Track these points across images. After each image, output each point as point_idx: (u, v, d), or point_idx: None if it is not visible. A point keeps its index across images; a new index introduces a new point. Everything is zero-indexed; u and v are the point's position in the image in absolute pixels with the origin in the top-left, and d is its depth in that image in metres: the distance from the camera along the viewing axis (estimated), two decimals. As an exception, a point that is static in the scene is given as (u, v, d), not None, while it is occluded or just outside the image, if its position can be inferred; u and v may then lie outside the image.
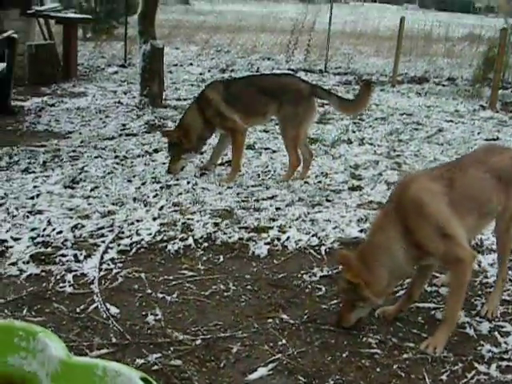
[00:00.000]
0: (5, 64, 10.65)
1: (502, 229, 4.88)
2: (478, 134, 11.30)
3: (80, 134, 9.80)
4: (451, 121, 12.24)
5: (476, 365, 4.25)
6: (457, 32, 27.19)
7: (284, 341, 4.37)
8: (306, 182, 7.74)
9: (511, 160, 4.84)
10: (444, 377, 4.10)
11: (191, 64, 17.44)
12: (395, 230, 4.35)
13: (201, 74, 15.98)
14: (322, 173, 8.21)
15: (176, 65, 17.00)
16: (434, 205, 4.36)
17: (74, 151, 8.70)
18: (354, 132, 10.79)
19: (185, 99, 12.68)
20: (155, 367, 4.00)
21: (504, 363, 4.28)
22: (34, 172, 7.68)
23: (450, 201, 4.40)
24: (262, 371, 4.02)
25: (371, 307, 4.56)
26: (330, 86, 15.18)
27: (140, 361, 4.05)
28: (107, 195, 6.88)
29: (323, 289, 5.13)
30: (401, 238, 4.34)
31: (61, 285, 4.96)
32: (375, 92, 14.61)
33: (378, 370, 4.13)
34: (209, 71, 16.39)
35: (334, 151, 9.38)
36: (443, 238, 4.32)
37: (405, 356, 4.29)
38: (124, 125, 10.39)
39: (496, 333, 4.64)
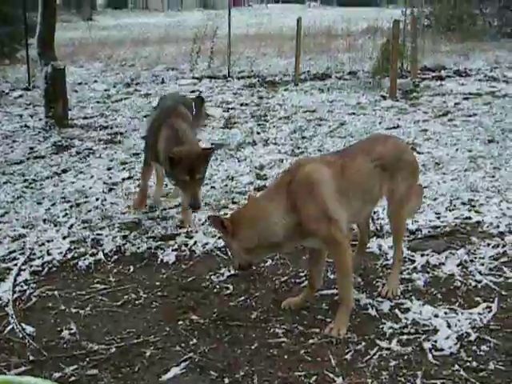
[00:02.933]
0: None
1: (393, 212, 5.15)
2: (380, 123, 11.66)
3: (-13, 161, 9.79)
4: (353, 113, 12.58)
5: (378, 342, 4.52)
6: (357, 26, 27.74)
7: (195, 340, 4.57)
8: (212, 187, 7.94)
9: (394, 147, 5.14)
10: (348, 356, 4.36)
11: (96, 81, 17.43)
12: (281, 202, 4.57)
13: (106, 90, 16.01)
14: (227, 176, 8.43)
15: (81, 83, 16.98)
16: (324, 188, 4.59)
17: (-19, 179, 8.71)
18: (258, 133, 11.02)
19: (91, 117, 12.75)
20: (72, 378, 4.16)
21: (404, 337, 4.56)
22: None
23: (338, 186, 4.65)
24: (174, 371, 4.21)
25: (243, 259, 4.75)
26: (234, 91, 15.46)
27: (57, 374, 4.20)
28: (17, 219, 6.96)
29: (231, 287, 5.34)
30: (284, 212, 4.56)
31: (-28, 312, 5.06)
32: (279, 92, 14.98)
33: (285, 357, 4.36)
34: (114, 87, 16.43)
35: (239, 154, 9.60)
36: (326, 220, 4.55)
37: (311, 341, 4.54)
38: (32, 148, 10.40)
39: (396, 310, 4.93)
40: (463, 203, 7.16)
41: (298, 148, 9.89)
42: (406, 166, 5.09)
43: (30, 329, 4.77)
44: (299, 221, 4.55)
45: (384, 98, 14.13)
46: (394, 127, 11.30)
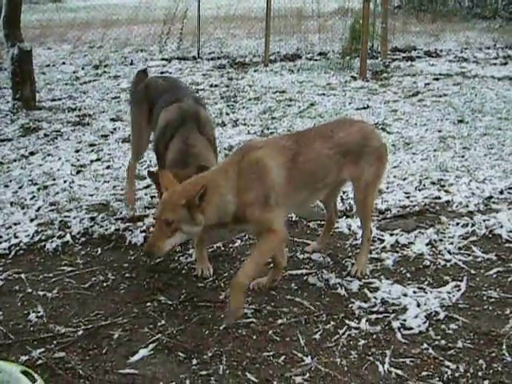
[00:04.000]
0: None
1: (359, 198, 5.08)
2: (350, 104, 11.67)
3: (-47, 145, 9.67)
4: (323, 94, 12.58)
5: (347, 321, 4.53)
6: (328, 7, 27.67)
7: (163, 321, 4.54)
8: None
9: (359, 133, 4.96)
10: (317, 336, 4.36)
11: (64, 63, 17.25)
12: (234, 181, 4.39)
13: (74, 72, 15.86)
14: (196, 158, 8.37)
15: (48, 65, 16.79)
16: (273, 175, 4.46)
17: None
18: (227, 114, 10.98)
19: (59, 99, 12.62)
20: (39, 361, 4.12)
21: (373, 316, 4.58)
22: None
23: (288, 174, 4.53)
24: (142, 352, 4.19)
25: (189, 235, 4.50)
26: (204, 72, 15.37)
27: (24, 357, 4.16)
28: (-16, 202, 6.89)
29: (197, 269, 5.31)
30: (236, 192, 4.39)
31: None
32: (248, 73, 14.92)
33: (254, 337, 4.35)
34: (82, 69, 16.27)
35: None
36: (264, 206, 4.43)
37: (279, 321, 4.54)
38: (-2, 131, 10.30)
39: (365, 289, 4.94)
40: (433, 183, 7.18)
41: (268, 129, 9.86)
42: (372, 152, 4.95)
43: (-3, 316, 4.73)
44: (239, 203, 4.40)
45: (354, 78, 14.14)
46: (364, 107, 11.30)
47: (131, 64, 16.95)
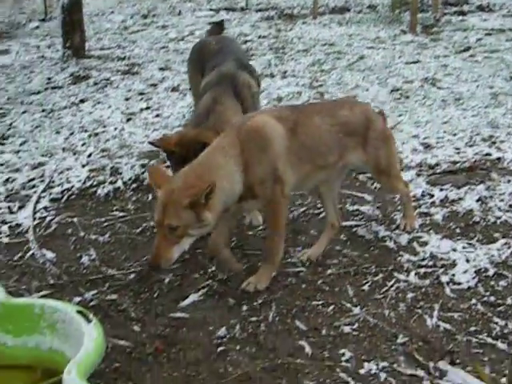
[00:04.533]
0: None
1: (386, 182, 4.96)
2: (399, 58, 11.50)
3: (6, 91, 9.81)
4: (372, 47, 12.40)
5: (396, 274, 4.53)
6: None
7: (213, 268, 4.60)
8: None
9: (362, 114, 4.66)
10: (366, 287, 4.39)
11: (112, 12, 17.27)
12: (238, 157, 4.00)
13: (123, 21, 15.88)
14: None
15: (97, 14, 16.81)
16: (277, 144, 4.14)
17: (0, 108, 8.75)
18: (276, 66, 10.91)
19: (108, 48, 12.67)
20: (92, 303, 4.23)
21: (422, 270, 4.57)
22: (-39, 132, 7.76)
23: (289, 145, 4.20)
24: (193, 297, 4.26)
25: (199, 235, 4.03)
26: (252, 23, 15.26)
27: (77, 298, 4.27)
28: (36, 148, 7.01)
29: (247, 217, 5.33)
30: (241, 169, 4.02)
31: (-2, 236, 5.13)
32: (297, 25, 14.79)
33: (303, 286, 4.39)
34: (131, 18, 16.27)
35: (257, 86, 9.52)
36: (272, 181, 4.13)
37: (328, 272, 4.56)
38: (49, 78, 10.40)
39: (415, 243, 4.92)
40: (483, 139, 7.07)
41: (317, 81, 9.80)
42: (377, 136, 4.67)
43: (50, 254, 4.84)
44: (247, 181, 4.03)
45: (404, 32, 13.91)
46: (414, 62, 11.13)
47: (179, 14, 16.90)
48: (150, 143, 4.96)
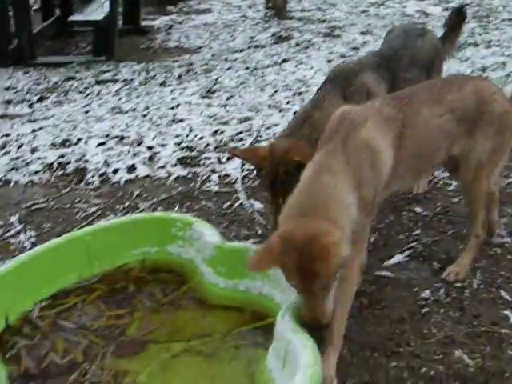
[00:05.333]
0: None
1: (466, 182, 3.88)
2: None
3: (210, 48, 10.16)
4: None
5: None
6: None
7: (418, 231, 4.58)
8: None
9: (475, 95, 3.71)
10: None
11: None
12: (346, 174, 3.11)
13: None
14: (449, 76, 8.22)
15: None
16: (383, 160, 3.29)
17: (206, 64, 9.09)
18: (480, 35, 10.60)
19: (309, 10, 12.78)
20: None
21: None
22: (170, 85, 8.14)
23: (394, 157, 3.35)
24: (398, 257, 4.25)
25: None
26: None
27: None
28: (242, 103, 7.21)
29: (453, 184, 5.24)
30: (352, 186, 3.11)
31: (207, 184, 5.37)
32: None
33: (508, 257, 4.28)
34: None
35: (460, 54, 9.32)
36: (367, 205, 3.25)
37: (535, 243, 4.44)
38: (252, 37, 10.65)
39: None
40: None
41: (525, 53, 9.44)
42: (491, 122, 3.70)
43: (258, 205, 4.98)
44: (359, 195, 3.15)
45: None
46: None
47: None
48: (234, 155, 4.25)
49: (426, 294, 3.86)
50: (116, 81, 8.58)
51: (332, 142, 3.21)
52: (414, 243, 4.43)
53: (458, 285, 3.96)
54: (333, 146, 3.19)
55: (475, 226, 4.05)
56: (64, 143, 6.35)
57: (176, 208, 4.96)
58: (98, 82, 8.60)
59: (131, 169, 5.66)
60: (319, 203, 2.96)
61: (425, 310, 3.73)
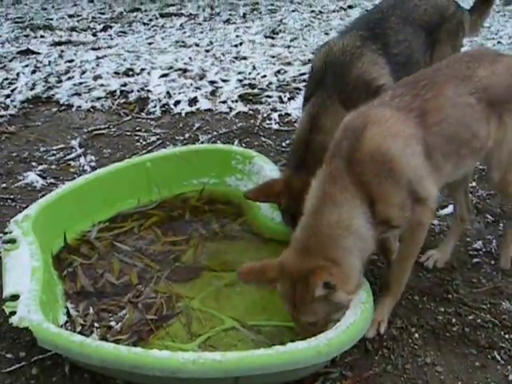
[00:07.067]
0: None
1: (495, 176, 3.33)
2: None
3: (277, -13, 10.07)
4: None
5: None
6: None
7: (474, 183, 4.50)
8: (498, 42, 7.65)
9: (508, 72, 3.24)
10: None
11: None
12: (354, 199, 2.80)
13: None
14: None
15: None
16: (408, 158, 2.87)
17: (271, 5, 9.04)
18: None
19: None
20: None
21: None
22: (235, 23, 8.10)
23: (424, 147, 2.93)
24: (452, 208, 4.14)
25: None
26: None
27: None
28: (306, 45, 7.16)
29: None
30: (364, 210, 2.81)
31: (267, 122, 5.36)
32: None
33: None
34: None
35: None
36: (414, 203, 2.95)
37: None
38: (319, -19, 10.54)
39: None
40: None
41: None
42: None
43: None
44: (379, 215, 2.85)
45: None
46: None
47: None
48: (247, 198, 3.55)
49: (478, 244, 3.83)
50: (181, 15, 8.59)
51: (334, 162, 2.84)
52: (469, 195, 4.38)
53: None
54: (335, 168, 2.82)
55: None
56: (127, 72, 6.39)
57: (235, 143, 4.96)
58: (162, 15, 8.62)
59: (193, 101, 5.68)
60: (318, 243, 2.76)
61: (475, 260, 3.70)
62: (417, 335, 3.08)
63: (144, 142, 5.00)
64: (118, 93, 5.90)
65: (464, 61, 3.22)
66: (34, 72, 6.48)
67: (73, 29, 8.12)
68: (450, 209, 4.12)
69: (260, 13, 8.59)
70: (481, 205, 4.28)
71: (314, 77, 3.67)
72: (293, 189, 3.34)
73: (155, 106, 5.61)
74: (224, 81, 6.05)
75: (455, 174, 3.22)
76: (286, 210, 3.44)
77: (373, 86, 3.58)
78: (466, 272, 3.60)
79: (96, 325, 3.02)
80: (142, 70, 6.40)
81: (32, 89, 6.02)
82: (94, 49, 7.27)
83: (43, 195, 3.93)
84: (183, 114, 5.48)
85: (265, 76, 6.16)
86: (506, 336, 3.10)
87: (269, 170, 3.88)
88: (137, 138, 5.09)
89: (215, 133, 5.13)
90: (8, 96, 5.88)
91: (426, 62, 3.94)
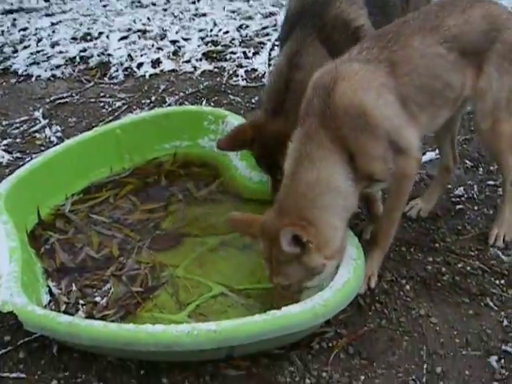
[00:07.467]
0: None
1: (484, 128, 3.23)
2: None
3: None
4: None
5: None
6: None
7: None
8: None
9: (484, 19, 3.12)
10: None
11: None
12: (332, 155, 2.75)
13: None
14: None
15: None
16: (381, 108, 2.82)
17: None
18: None
19: None
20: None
21: None
22: (189, -22, 7.91)
23: (397, 96, 2.88)
24: (430, 155, 4.12)
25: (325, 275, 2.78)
26: None
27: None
28: (266, -1, 7.04)
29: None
30: (343, 165, 2.76)
31: (234, 79, 5.26)
32: None
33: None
34: None
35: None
36: (396, 154, 2.89)
37: None
38: None
39: None
40: None
41: None
42: (507, 51, 3.12)
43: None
44: (359, 169, 2.80)
45: None
46: None
47: None
48: (219, 148, 3.42)
49: (460, 191, 3.82)
50: (133, -26, 8.36)
51: (308, 120, 2.80)
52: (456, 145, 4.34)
53: (491, 183, 3.91)
54: (310, 127, 2.79)
55: (506, 176, 3.42)
56: (85, 37, 6.22)
57: (203, 103, 4.87)
58: (114, -25, 8.38)
59: (156, 63, 5.55)
60: (295, 204, 2.71)
61: (458, 206, 3.69)
62: (408, 287, 3.06)
63: (109, 108, 4.87)
64: (77, 59, 5.73)
65: (433, 11, 3.13)
66: (-14, 43, 6.29)
67: (23, -5, 7.90)
68: (428, 156, 4.09)
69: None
70: (459, 150, 4.23)
71: (292, 18, 3.52)
72: (269, 132, 3.23)
73: (117, 70, 5.47)
74: (186, 39, 5.92)
75: (433, 125, 3.16)
76: (261, 156, 3.36)
77: (351, 27, 3.45)
78: (450, 220, 3.59)
79: (81, 302, 2.94)
80: (100, 33, 6.23)
81: (-14, 61, 5.84)
82: (47, 15, 7.06)
83: (11, 171, 3.84)
84: (147, 77, 5.35)
85: (227, 32, 6.04)
86: (497, 282, 3.10)
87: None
88: (102, 104, 4.96)
89: (182, 94, 5.02)
90: (-37, 70, 5.71)
91: (404, 7, 3.78)
